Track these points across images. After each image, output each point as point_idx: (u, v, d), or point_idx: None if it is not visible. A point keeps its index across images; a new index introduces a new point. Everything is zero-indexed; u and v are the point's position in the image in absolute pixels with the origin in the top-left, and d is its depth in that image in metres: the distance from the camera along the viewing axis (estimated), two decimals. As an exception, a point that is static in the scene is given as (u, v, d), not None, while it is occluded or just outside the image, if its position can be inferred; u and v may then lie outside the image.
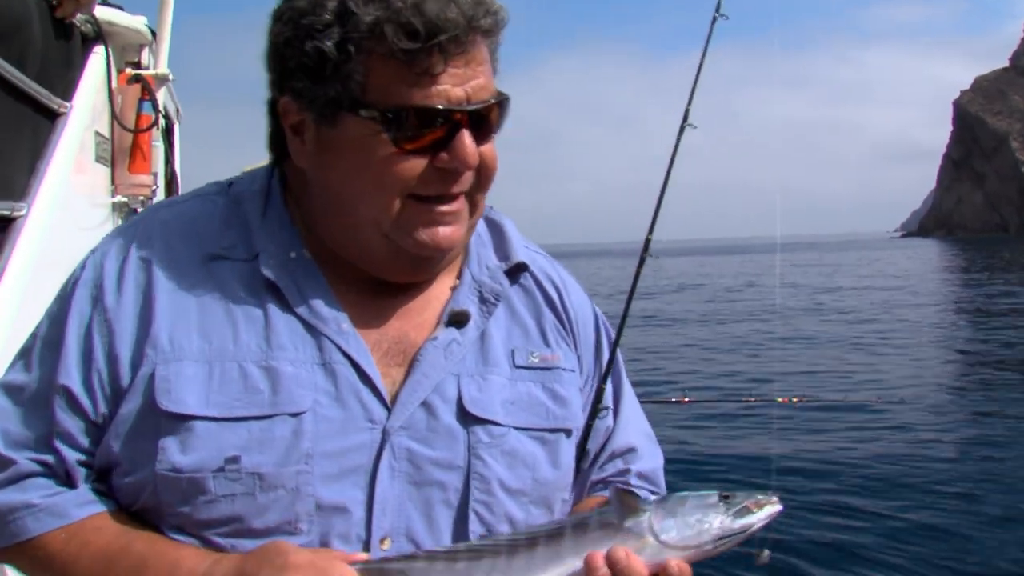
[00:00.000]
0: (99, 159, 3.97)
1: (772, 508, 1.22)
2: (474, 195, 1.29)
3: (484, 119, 1.24)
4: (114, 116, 4.10)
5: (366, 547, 1.20)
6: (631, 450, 1.51)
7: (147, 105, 4.23)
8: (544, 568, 1.17)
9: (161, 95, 4.52)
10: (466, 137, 1.21)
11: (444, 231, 1.26)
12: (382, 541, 1.21)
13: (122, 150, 4.23)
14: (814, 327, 21.49)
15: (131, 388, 1.19)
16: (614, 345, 1.53)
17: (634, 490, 1.25)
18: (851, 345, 18.50)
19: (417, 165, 1.20)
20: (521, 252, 1.45)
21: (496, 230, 1.47)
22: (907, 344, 18.45)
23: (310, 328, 1.25)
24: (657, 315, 25.53)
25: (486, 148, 1.26)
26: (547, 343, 1.41)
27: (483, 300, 1.38)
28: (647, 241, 1.56)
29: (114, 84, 4.08)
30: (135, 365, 1.20)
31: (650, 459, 1.55)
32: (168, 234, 1.29)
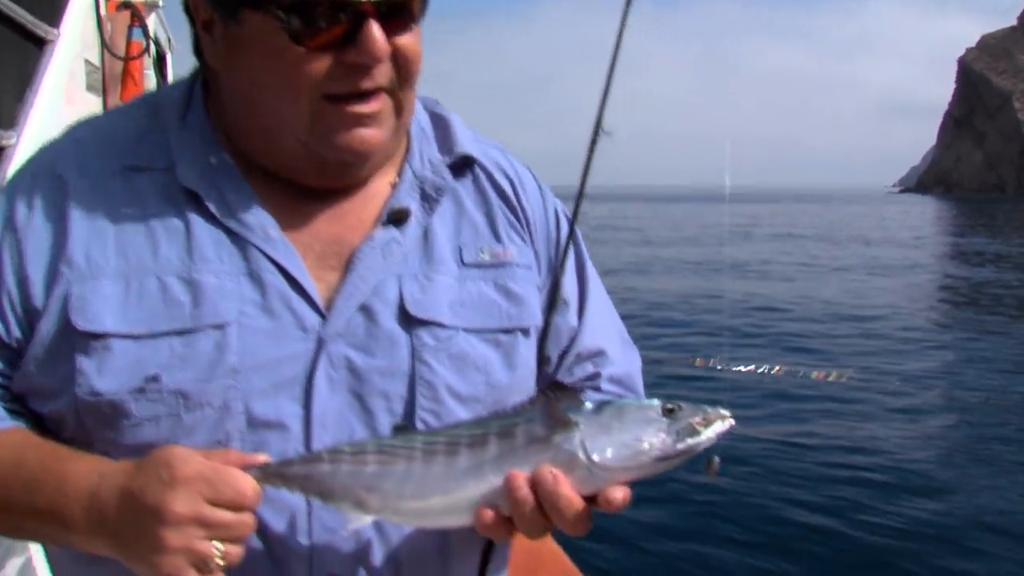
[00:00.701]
0: (90, 88, 3.94)
1: (722, 424, 1.09)
2: (397, 93, 1.19)
3: (398, 8, 1.13)
4: (104, 43, 4.05)
5: None
6: (600, 353, 1.41)
7: (137, 32, 4.19)
8: (462, 483, 1.08)
9: (151, 22, 4.48)
10: (374, 29, 1.10)
11: (364, 134, 1.17)
12: None
13: (113, 78, 4.20)
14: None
15: (46, 309, 1.14)
16: (571, 231, 1.41)
17: (569, 395, 1.11)
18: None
19: (323, 63, 1.12)
20: (468, 145, 1.35)
21: (441, 124, 1.37)
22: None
23: (235, 237, 1.18)
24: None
25: (404, 40, 1.16)
26: (498, 238, 1.32)
27: (425, 196, 1.29)
28: (598, 120, 1.47)
29: (103, 11, 4.03)
30: (49, 285, 1.14)
31: (624, 362, 1.45)
32: (83, 150, 1.23)
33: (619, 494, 1.06)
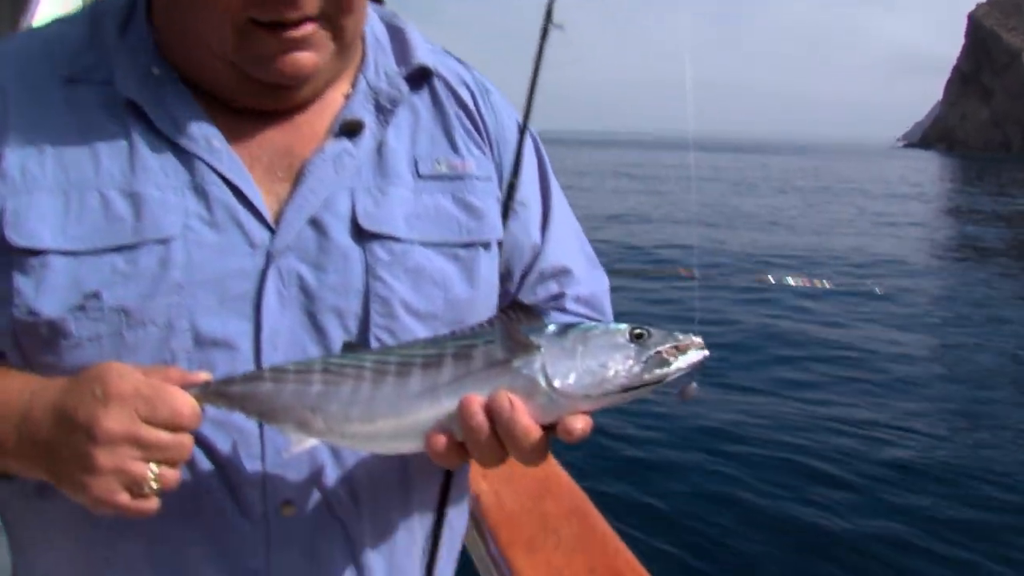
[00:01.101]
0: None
1: (695, 355, 1.01)
2: (333, 20, 1.13)
3: None
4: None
5: None
6: (565, 271, 1.38)
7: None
8: (413, 406, 1.03)
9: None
10: None
11: (299, 57, 1.12)
12: None
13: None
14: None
15: None
16: (523, 131, 1.34)
17: (532, 316, 1.05)
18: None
19: None
20: (425, 56, 1.31)
21: (398, 36, 1.33)
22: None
23: (179, 150, 1.13)
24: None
25: None
26: (456, 150, 1.28)
27: (380, 108, 1.24)
28: (548, 11, 1.38)
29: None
30: None
31: (590, 282, 1.42)
32: (23, 60, 1.18)
33: (579, 424, 1.00)
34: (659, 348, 1.00)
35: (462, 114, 1.31)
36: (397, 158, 1.24)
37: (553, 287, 1.38)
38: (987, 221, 28.47)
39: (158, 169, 1.12)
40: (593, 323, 1.05)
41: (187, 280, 1.09)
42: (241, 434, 1.12)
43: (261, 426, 1.11)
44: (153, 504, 1.00)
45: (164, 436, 0.99)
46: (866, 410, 8.18)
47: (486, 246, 1.27)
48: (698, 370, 1.01)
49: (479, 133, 1.32)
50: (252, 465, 1.13)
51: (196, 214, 1.12)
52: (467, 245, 1.24)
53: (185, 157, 1.14)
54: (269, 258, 1.13)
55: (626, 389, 1.00)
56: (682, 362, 1.00)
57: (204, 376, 1.05)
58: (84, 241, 1.08)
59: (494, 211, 1.29)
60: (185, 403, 1.00)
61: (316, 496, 1.16)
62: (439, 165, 1.26)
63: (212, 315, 1.10)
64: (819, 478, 6.62)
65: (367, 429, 1.05)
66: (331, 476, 1.17)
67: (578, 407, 1.00)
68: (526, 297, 1.36)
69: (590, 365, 0.99)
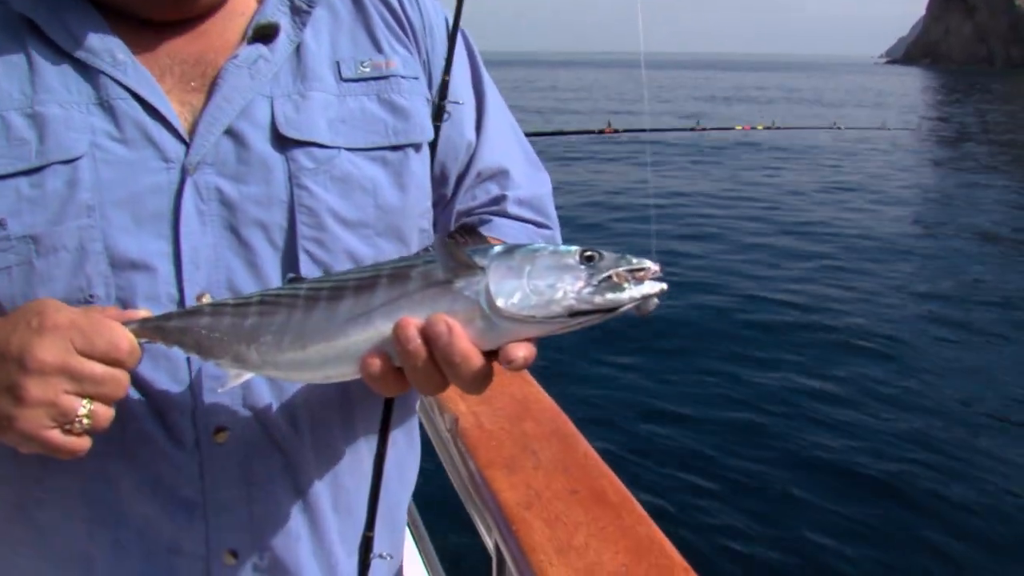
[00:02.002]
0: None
1: (650, 286, 0.93)
2: None
3: None
4: None
5: (180, 307, 1.06)
6: (503, 171, 1.33)
7: None
8: (344, 331, 0.97)
9: None
10: None
11: None
12: (199, 298, 1.07)
13: None
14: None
15: None
16: (455, 24, 1.29)
17: (474, 235, 0.99)
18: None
19: None
20: None
21: None
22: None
23: (81, 65, 1.06)
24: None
25: None
26: (379, 49, 1.22)
27: (295, 10, 1.17)
28: None
29: None
30: None
31: (531, 184, 1.37)
32: None
33: (521, 351, 0.92)
34: (611, 271, 0.93)
35: (385, 11, 1.24)
36: (317, 61, 1.17)
37: (493, 189, 1.33)
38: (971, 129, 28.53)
39: (60, 86, 1.05)
40: (542, 244, 0.98)
41: (97, 201, 1.03)
42: (167, 360, 1.08)
43: None
44: (84, 443, 0.95)
45: (99, 369, 0.94)
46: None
47: (416, 148, 1.21)
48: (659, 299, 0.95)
49: (403, 30, 1.25)
50: (180, 391, 1.08)
51: (104, 131, 1.05)
52: (395, 148, 1.19)
53: (88, 72, 1.06)
54: (185, 173, 1.07)
55: (573, 313, 0.93)
56: (636, 292, 0.93)
57: (143, 312, 1.01)
58: None
59: (423, 111, 1.23)
60: (123, 336, 0.96)
61: (251, 421, 1.12)
62: (362, 67, 1.19)
63: (127, 236, 1.04)
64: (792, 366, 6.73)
65: (299, 357, 1.00)
66: (266, 400, 1.13)
67: (521, 332, 0.93)
68: (465, 202, 1.32)
69: (537, 285, 0.93)
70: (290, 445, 1.15)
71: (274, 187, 1.10)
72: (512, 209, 1.33)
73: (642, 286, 0.93)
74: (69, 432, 0.94)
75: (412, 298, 0.95)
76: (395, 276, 0.97)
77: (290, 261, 1.11)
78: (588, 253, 0.95)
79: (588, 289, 0.92)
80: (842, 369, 7.07)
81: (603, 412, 6.19)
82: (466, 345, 0.92)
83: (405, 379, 0.97)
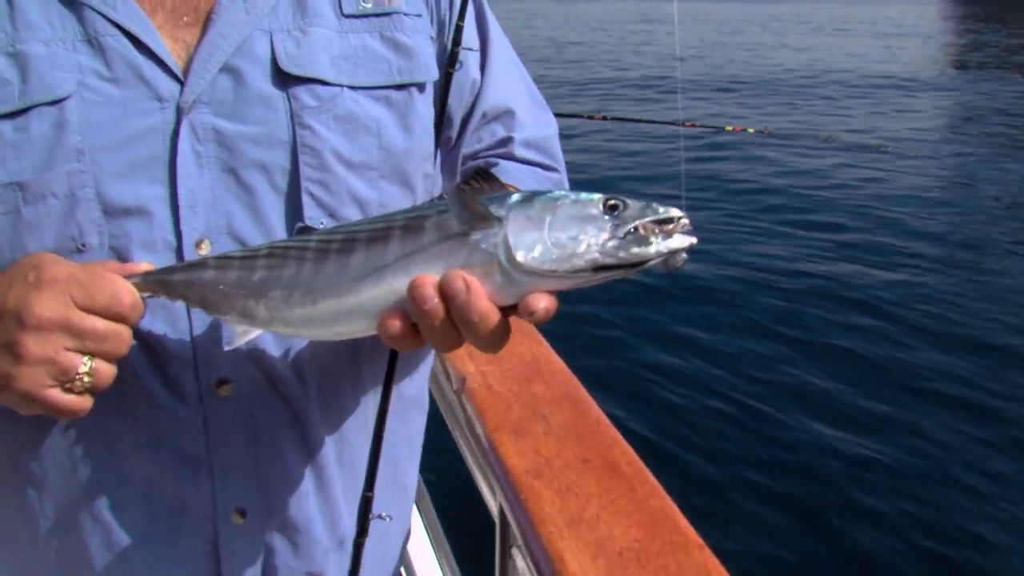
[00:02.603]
0: None
1: (679, 240, 0.87)
2: None
3: None
4: None
5: (179, 255, 1.01)
6: (509, 112, 1.28)
7: None
8: (356, 286, 0.92)
9: None
10: None
11: None
12: (198, 245, 1.02)
13: None
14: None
15: None
16: None
17: (490, 179, 0.93)
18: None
19: None
20: None
21: None
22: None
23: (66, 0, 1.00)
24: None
25: None
26: None
27: None
28: None
29: None
30: None
31: (537, 125, 1.33)
32: None
33: (542, 302, 0.87)
34: (637, 222, 0.87)
35: None
36: None
37: (499, 130, 1.28)
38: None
39: (43, 22, 0.99)
40: (562, 191, 0.91)
41: (87, 144, 0.97)
42: (165, 309, 1.02)
43: None
44: (86, 402, 0.92)
45: (100, 324, 0.90)
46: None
47: (420, 87, 1.15)
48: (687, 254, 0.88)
49: None
50: (180, 342, 1.03)
51: (92, 70, 0.99)
52: (399, 87, 1.13)
53: (73, 6, 1.00)
54: (180, 112, 1.01)
55: (597, 268, 0.86)
56: (663, 245, 0.86)
57: (144, 266, 0.97)
58: None
59: (427, 49, 1.17)
60: (125, 289, 0.92)
61: (255, 373, 1.07)
62: (364, 3, 1.13)
63: (120, 181, 0.99)
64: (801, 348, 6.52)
65: (310, 313, 0.94)
66: (272, 351, 1.08)
67: (541, 286, 0.87)
68: (471, 145, 1.27)
69: (558, 237, 0.86)
70: (296, 397, 1.10)
71: (275, 126, 1.04)
72: (519, 151, 1.29)
73: (670, 239, 0.87)
74: (70, 391, 0.90)
75: (427, 252, 0.89)
76: (408, 228, 0.91)
77: (293, 204, 1.06)
78: (612, 202, 0.88)
79: (613, 242, 0.86)
80: (893, 349, 6.68)
81: (616, 375, 5.92)
82: (485, 304, 0.87)
83: (419, 335, 0.91)
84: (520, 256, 0.86)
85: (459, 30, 1.19)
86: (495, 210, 0.88)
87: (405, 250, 0.90)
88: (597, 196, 0.89)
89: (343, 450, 1.17)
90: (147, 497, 1.07)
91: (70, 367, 0.89)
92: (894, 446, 5.22)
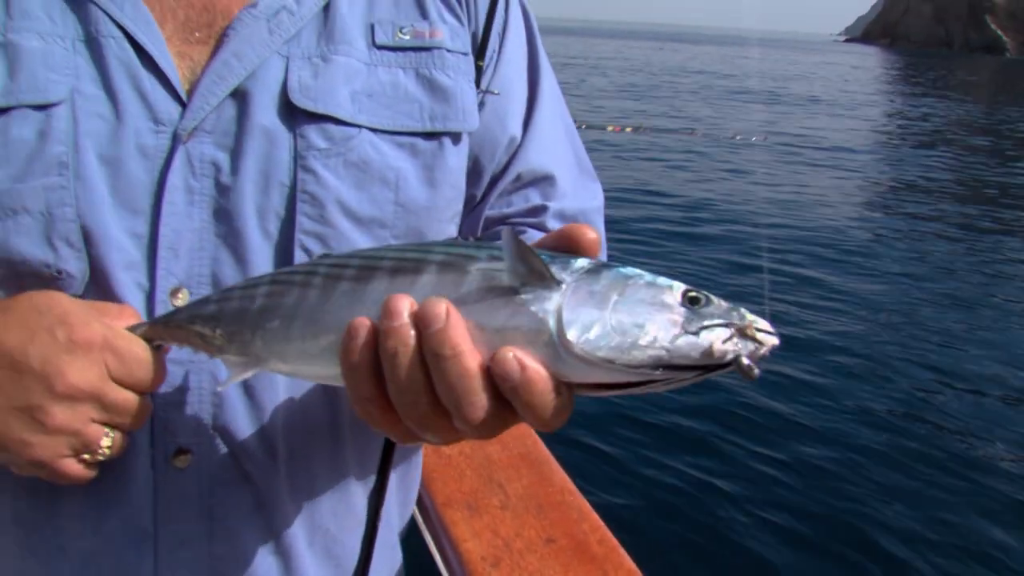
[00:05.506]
0: None
1: (764, 340, 0.71)
2: None
3: None
4: None
5: (149, 303, 0.88)
6: (548, 178, 1.10)
7: None
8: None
9: None
10: None
11: None
12: (173, 293, 0.88)
13: None
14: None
15: None
16: None
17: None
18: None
19: None
20: None
21: None
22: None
23: None
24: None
25: None
26: (424, 14, 1.01)
27: None
28: None
29: None
30: None
31: (580, 196, 1.13)
32: None
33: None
34: (721, 321, 0.70)
35: None
36: (348, 22, 0.97)
37: (533, 196, 1.09)
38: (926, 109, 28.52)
39: (42, 13, 0.88)
40: (636, 269, 0.74)
41: (72, 158, 0.85)
42: None
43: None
44: (93, 474, 0.84)
45: (132, 399, 0.82)
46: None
47: (454, 138, 1.00)
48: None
49: None
50: None
51: (88, 75, 0.88)
52: (429, 135, 0.98)
53: (78, 2, 0.89)
54: (176, 140, 0.88)
55: (656, 366, 0.69)
56: (743, 349, 0.70)
57: (129, 310, 0.85)
58: None
59: (469, 94, 1.01)
60: (160, 362, 0.83)
61: (219, 445, 0.93)
62: (402, 33, 0.99)
63: (103, 206, 0.86)
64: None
65: (310, 347, 0.77)
66: (240, 420, 0.93)
67: (589, 376, 0.69)
68: (497, 208, 1.09)
69: (622, 321, 0.69)
70: (263, 477, 0.96)
71: (274, 165, 0.90)
72: (551, 223, 1.09)
73: (752, 342, 0.70)
74: (83, 461, 0.82)
75: (464, 300, 0.71)
76: (448, 265, 0.73)
77: (284, 256, 0.92)
78: (693, 295, 0.71)
79: (685, 340, 0.69)
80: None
81: (582, 427, 4.93)
82: (542, 381, 0.67)
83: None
84: (573, 335, 0.68)
85: (485, 43, 1.04)
86: (557, 272, 0.71)
87: (438, 292, 0.72)
88: (677, 284, 0.72)
89: (314, 535, 1.01)
90: (84, 571, 0.93)
91: (94, 440, 0.81)
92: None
